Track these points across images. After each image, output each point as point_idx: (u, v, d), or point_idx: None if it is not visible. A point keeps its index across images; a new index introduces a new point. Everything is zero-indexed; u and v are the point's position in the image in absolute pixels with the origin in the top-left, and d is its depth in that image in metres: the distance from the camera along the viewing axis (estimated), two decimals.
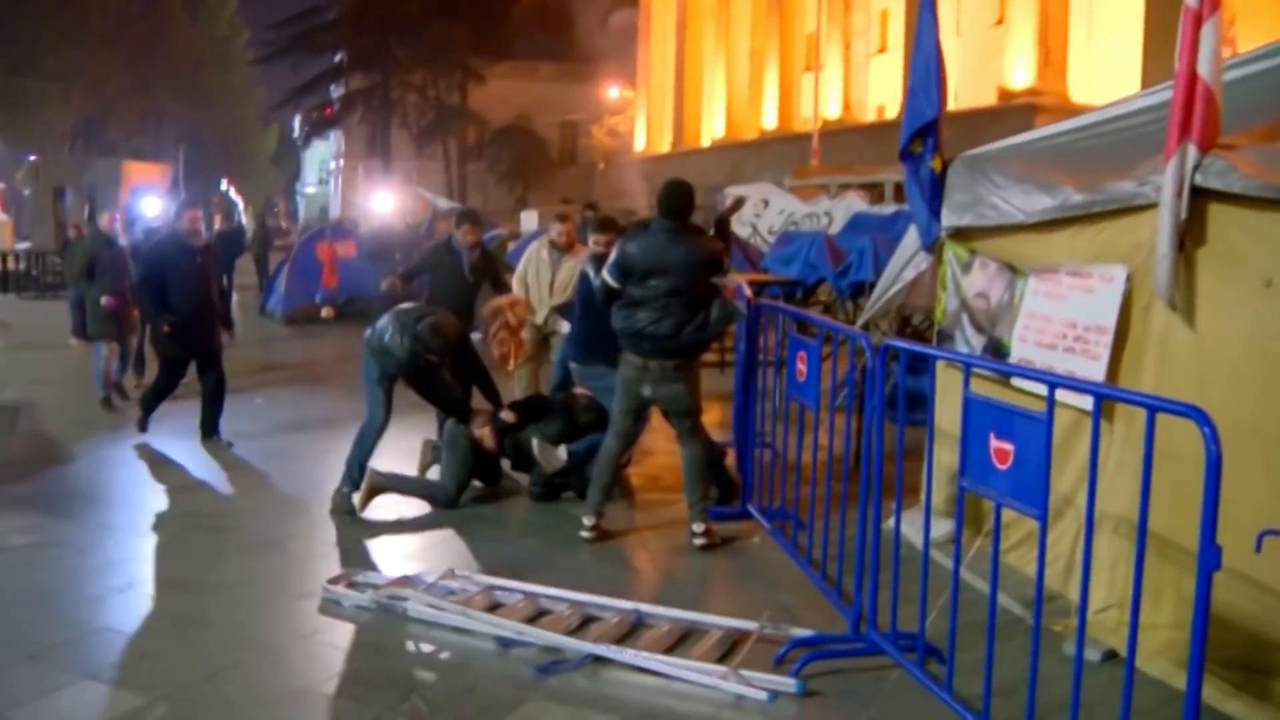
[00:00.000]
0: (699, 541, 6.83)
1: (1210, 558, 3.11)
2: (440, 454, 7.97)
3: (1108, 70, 29.07)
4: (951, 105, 29.56)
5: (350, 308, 18.29)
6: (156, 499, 8.12)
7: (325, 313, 16.00)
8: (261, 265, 24.88)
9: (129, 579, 6.40)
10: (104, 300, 11.19)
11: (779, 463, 7.03)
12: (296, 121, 72.07)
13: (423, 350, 7.61)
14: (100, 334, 11.57)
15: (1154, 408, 3.57)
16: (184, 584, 6.35)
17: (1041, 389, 4.13)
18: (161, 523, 7.60)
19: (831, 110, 38.21)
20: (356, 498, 7.60)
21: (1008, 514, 5.51)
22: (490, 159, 57.98)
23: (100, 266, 11.47)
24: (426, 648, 5.42)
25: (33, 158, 50.61)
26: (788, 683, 4.78)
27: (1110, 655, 5.06)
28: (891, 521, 5.82)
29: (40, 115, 60.32)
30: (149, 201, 21.88)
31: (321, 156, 74.41)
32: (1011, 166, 6.28)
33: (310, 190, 78.18)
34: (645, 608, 5.68)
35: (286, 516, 7.72)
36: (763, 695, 4.72)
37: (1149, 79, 25.38)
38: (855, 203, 18.12)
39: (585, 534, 7.00)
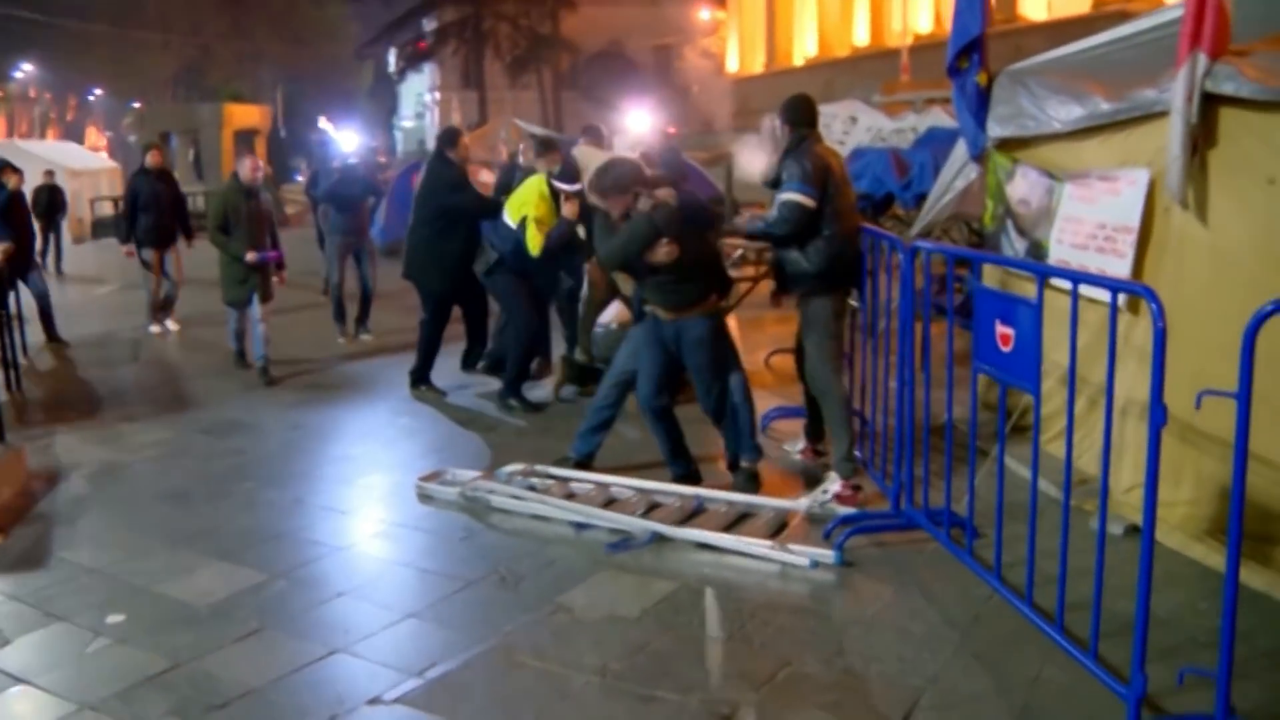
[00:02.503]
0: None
1: (1158, 416, 3.55)
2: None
3: None
4: (1044, 15, 29.17)
5: None
6: (275, 414, 8.88)
7: None
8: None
9: (254, 480, 7.17)
10: (250, 255, 9.86)
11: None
12: (391, 56, 72.57)
13: None
14: (234, 299, 10.25)
15: (1115, 288, 4.02)
16: (300, 480, 7.11)
17: (1067, 285, 4.53)
18: (280, 431, 8.37)
19: (923, 24, 37.86)
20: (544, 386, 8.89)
21: (1049, 406, 5.96)
22: (584, 86, 58.18)
23: (238, 219, 9.98)
24: (509, 532, 6.06)
25: (136, 105, 52.08)
26: (826, 554, 5.33)
27: (1133, 530, 5.47)
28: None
29: (143, 63, 61.80)
30: (345, 136, 22.10)
31: (417, 90, 74.88)
32: (1050, 78, 6.64)
33: (407, 124, 78.79)
34: (705, 493, 6.26)
35: (391, 422, 8.53)
36: (804, 562, 5.28)
37: None
38: (940, 117, 18.18)
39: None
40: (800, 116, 6.47)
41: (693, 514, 6.05)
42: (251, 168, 10.30)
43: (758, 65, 50.72)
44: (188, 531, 6.26)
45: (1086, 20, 28.25)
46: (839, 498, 6.14)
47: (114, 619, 5.08)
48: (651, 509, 6.12)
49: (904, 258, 5.63)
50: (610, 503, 6.24)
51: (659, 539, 5.70)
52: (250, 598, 5.27)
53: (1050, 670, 4.25)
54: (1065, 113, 6.34)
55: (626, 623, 4.83)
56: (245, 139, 35.82)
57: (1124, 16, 26.69)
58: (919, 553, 5.46)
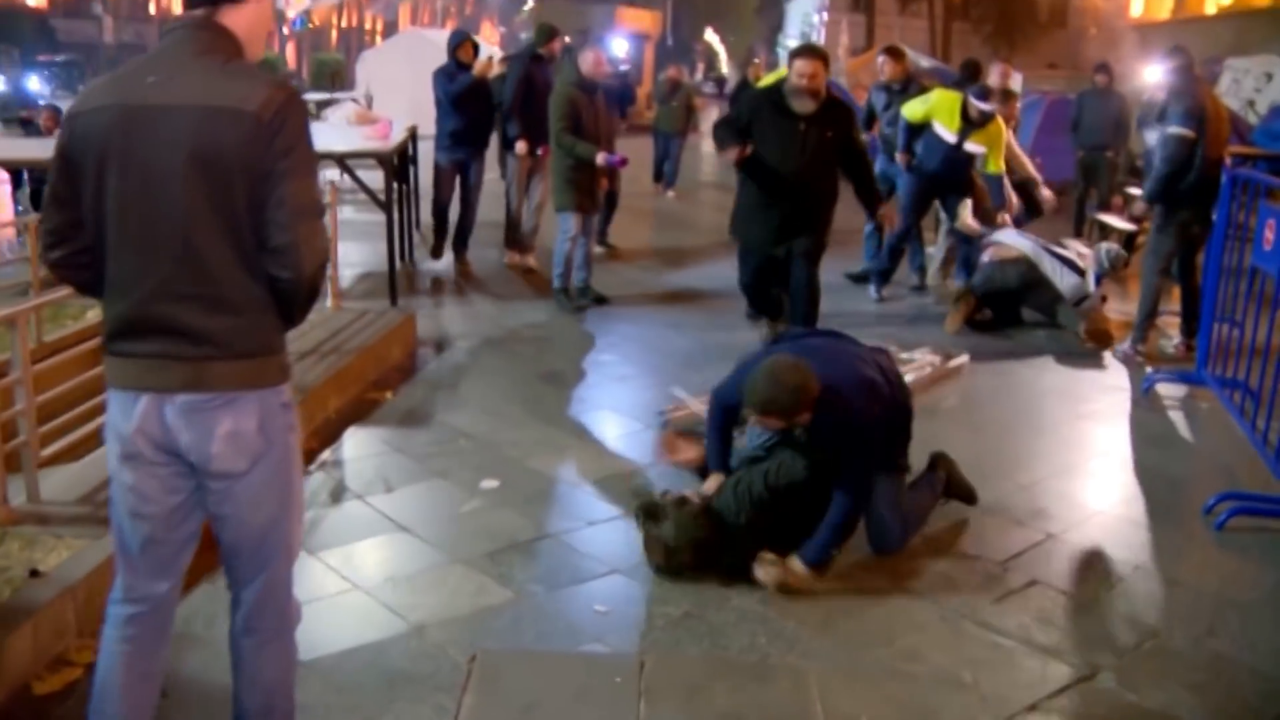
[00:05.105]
0: None
1: None
2: None
3: None
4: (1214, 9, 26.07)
5: None
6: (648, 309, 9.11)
7: None
8: None
9: (630, 370, 7.42)
10: (599, 157, 8.66)
11: (1237, 337, 6.94)
12: None
13: None
14: (570, 204, 8.90)
15: None
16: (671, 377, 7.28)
17: None
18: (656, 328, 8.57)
19: None
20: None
21: None
22: (975, 18, 56.25)
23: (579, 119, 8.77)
24: None
25: (531, 4, 53.94)
26: None
27: None
28: None
29: None
30: (617, 43, 22.36)
31: (804, 10, 74.54)
32: None
33: (791, 43, 78.60)
34: None
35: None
36: None
37: None
38: None
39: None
40: (1184, 62, 7.85)
41: None
42: (594, 61, 8.97)
43: (1164, 10, 47.69)
44: (561, 412, 6.58)
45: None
46: (1125, 355, 8.19)
47: (488, 484, 5.40)
48: None
49: None
50: None
51: None
52: (624, 483, 5.45)
53: None
54: None
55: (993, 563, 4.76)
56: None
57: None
58: None
